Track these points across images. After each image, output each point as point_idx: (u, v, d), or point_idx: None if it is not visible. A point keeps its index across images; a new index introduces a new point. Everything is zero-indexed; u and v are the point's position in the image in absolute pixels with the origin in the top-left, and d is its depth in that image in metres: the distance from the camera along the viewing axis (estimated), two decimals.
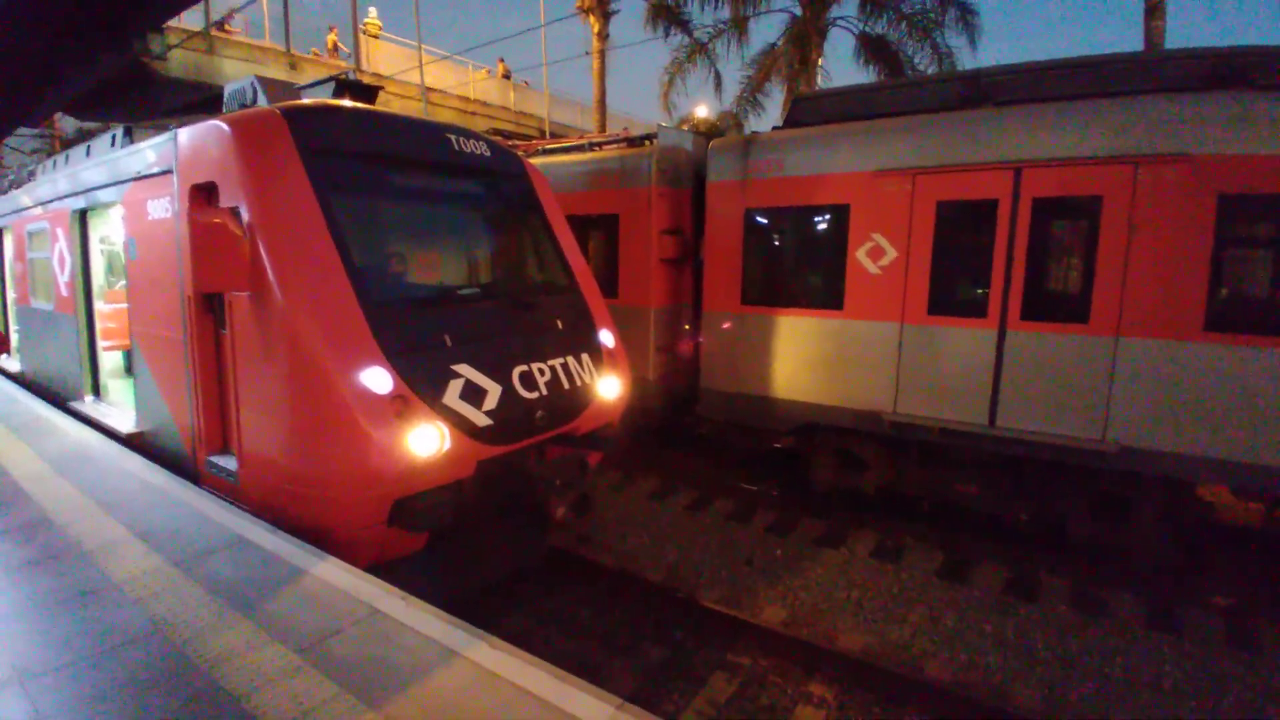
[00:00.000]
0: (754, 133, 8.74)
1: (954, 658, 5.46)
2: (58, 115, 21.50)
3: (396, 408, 4.40)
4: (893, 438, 7.48)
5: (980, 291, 6.78)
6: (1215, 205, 5.68)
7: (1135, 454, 6.13)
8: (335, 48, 22.22)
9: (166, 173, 5.52)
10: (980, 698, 4.82)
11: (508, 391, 5.11)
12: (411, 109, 19.75)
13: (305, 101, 5.75)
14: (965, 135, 6.75)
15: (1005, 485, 7.19)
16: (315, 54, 21.00)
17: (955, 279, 7.01)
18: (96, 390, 7.83)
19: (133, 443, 6.42)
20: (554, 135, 22.74)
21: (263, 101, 5.79)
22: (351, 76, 6.67)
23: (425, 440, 4.45)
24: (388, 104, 18.72)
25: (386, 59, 21.49)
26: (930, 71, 16.53)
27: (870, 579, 6.61)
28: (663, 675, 5.18)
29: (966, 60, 16.69)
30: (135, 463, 5.80)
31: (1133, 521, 6.60)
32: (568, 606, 6.12)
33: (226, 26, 18.21)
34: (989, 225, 6.65)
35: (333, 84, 6.22)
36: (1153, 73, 6.32)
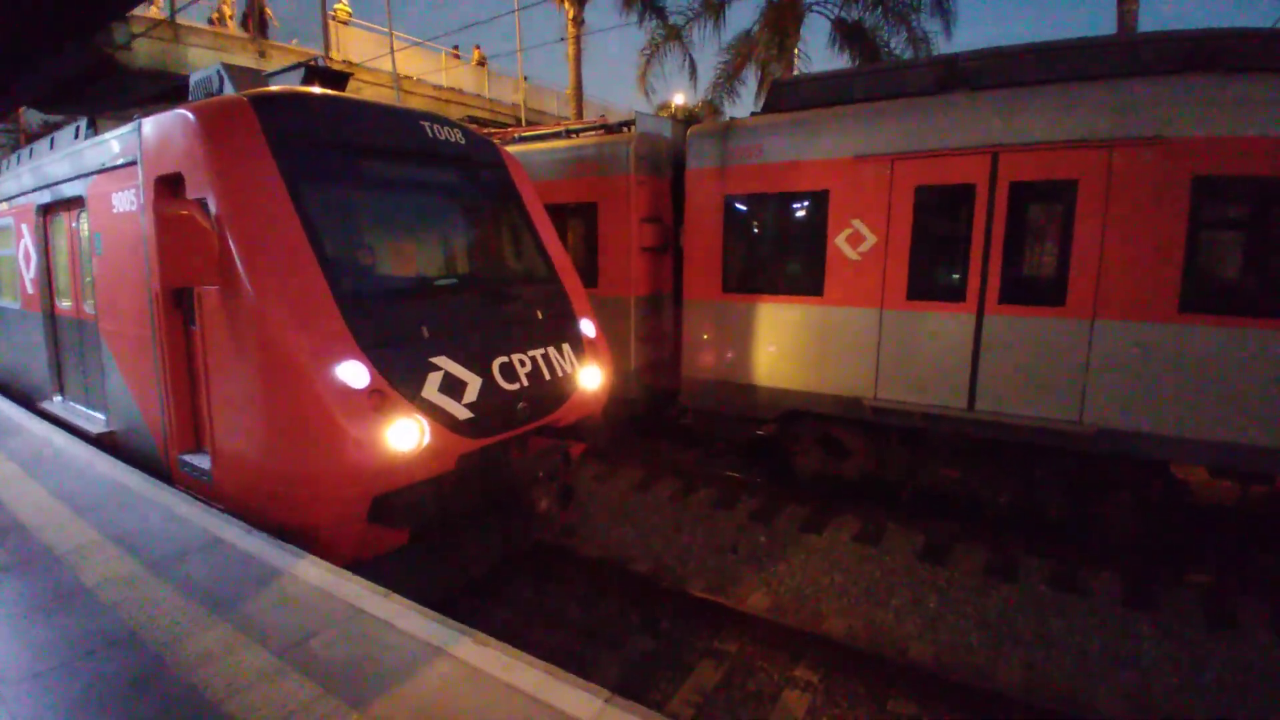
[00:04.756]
0: (733, 119, 8.68)
1: (937, 639, 5.51)
2: (22, 109, 20.89)
3: (374, 402, 4.33)
4: (874, 423, 7.52)
5: (958, 276, 6.81)
6: (1189, 187, 5.74)
7: (1111, 435, 6.21)
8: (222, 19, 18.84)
9: (131, 164, 5.37)
10: (963, 678, 4.87)
11: (488, 383, 5.05)
12: (383, 97, 19.42)
13: (273, 89, 5.60)
14: (942, 120, 6.75)
15: (985, 468, 7.26)
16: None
17: (934, 264, 7.03)
18: (64, 390, 7.65)
19: (103, 443, 6.28)
20: (530, 123, 22.51)
21: (229, 90, 5.63)
22: (321, 63, 6.52)
23: (404, 435, 4.38)
24: (359, 92, 18.39)
25: (357, 45, 21.08)
26: (906, 57, 16.57)
27: (853, 563, 6.66)
28: (650, 665, 5.18)
29: (942, 45, 16.79)
30: (106, 464, 5.67)
31: (1110, 502, 6.70)
32: (554, 600, 6.10)
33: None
34: (966, 210, 6.67)
35: (302, 71, 6.07)
36: (1126, 56, 6.35)
